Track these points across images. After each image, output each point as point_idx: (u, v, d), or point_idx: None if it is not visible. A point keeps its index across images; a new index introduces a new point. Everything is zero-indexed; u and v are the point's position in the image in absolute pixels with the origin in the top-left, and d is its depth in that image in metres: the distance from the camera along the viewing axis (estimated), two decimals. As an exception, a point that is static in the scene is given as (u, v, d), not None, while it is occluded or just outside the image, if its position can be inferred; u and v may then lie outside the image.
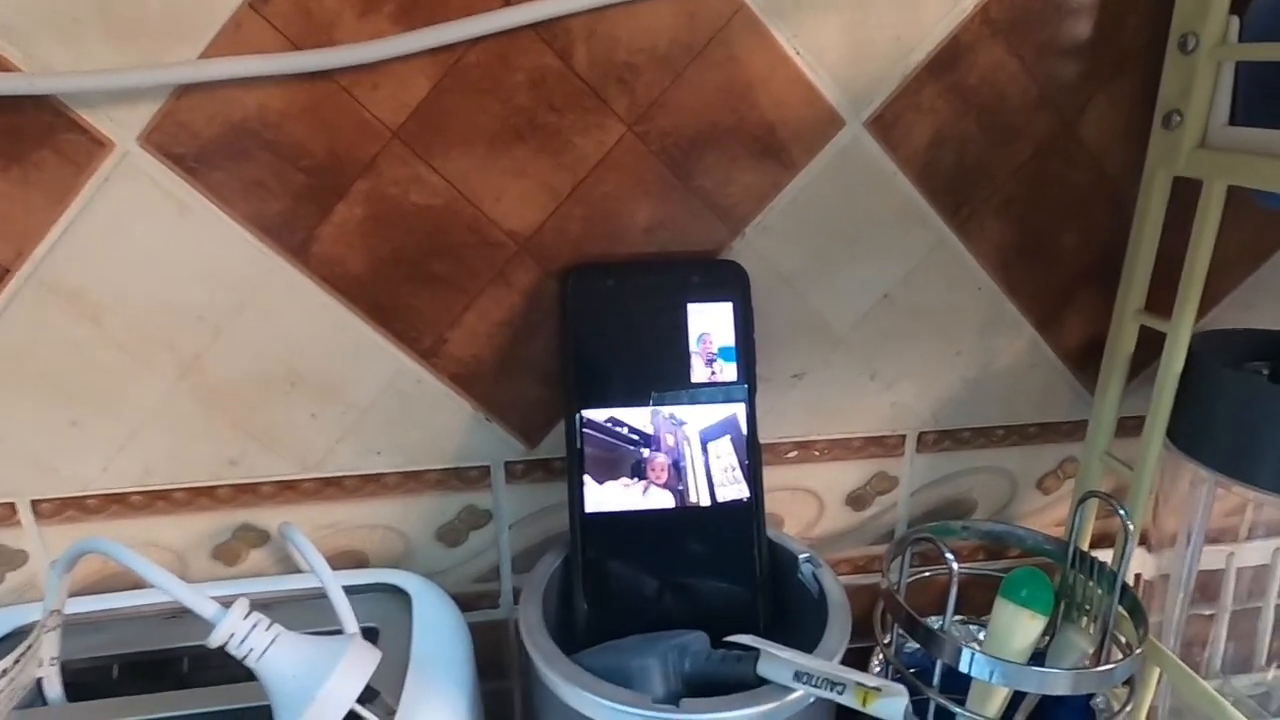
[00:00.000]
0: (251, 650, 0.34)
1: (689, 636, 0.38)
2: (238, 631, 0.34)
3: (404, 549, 0.49)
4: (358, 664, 0.35)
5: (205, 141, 0.40)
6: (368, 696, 0.36)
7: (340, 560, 0.49)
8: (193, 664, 0.43)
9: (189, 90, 0.39)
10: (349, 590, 0.46)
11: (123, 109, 0.39)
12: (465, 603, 0.51)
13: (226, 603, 0.35)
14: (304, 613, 0.45)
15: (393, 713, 0.37)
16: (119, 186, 0.40)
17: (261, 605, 0.46)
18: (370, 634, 0.43)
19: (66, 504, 0.45)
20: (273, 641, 0.34)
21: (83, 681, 0.41)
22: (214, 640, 0.34)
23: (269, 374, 0.44)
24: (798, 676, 0.33)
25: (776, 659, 0.33)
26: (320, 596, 0.46)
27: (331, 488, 0.47)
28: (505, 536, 0.50)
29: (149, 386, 0.43)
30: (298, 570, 0.49)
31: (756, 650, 0.34)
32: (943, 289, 0.48)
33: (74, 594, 0.46)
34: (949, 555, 0.42)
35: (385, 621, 0.44)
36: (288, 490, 0.47)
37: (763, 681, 0.35)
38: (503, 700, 0.54)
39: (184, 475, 0.46)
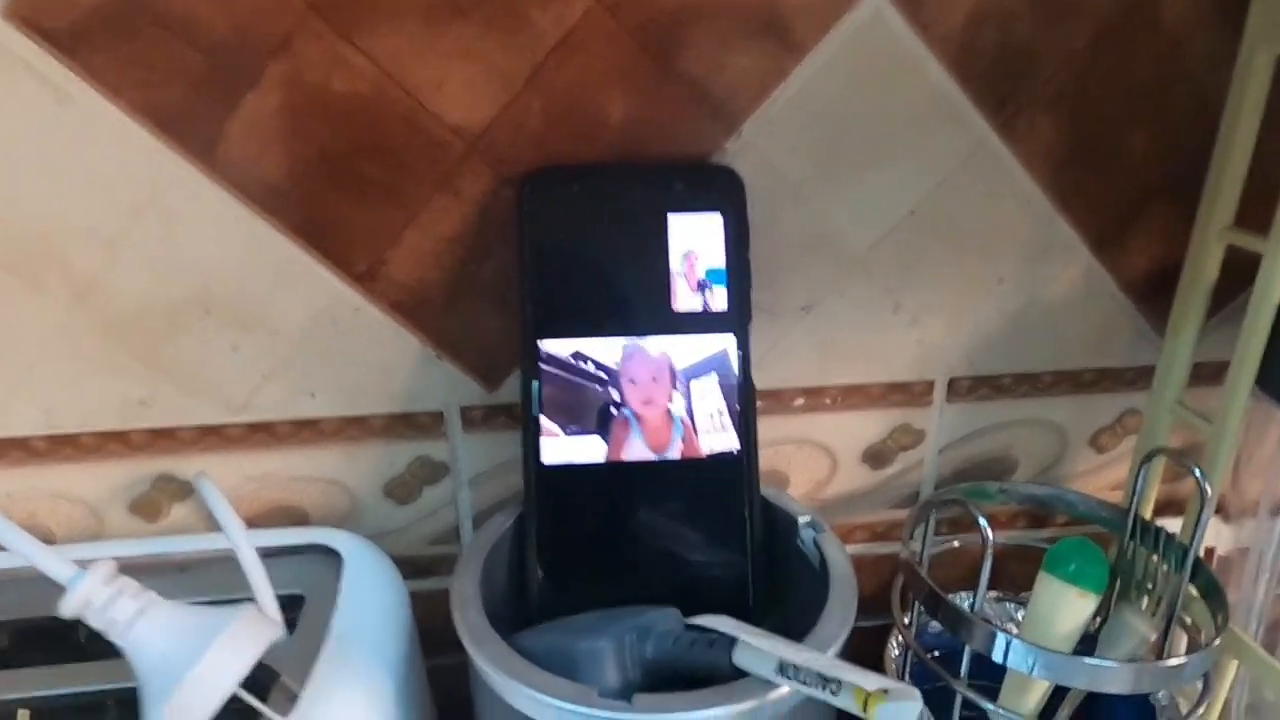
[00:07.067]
0: (115, 623, 0.28)
1: (656, 615, 0.31)
2: (94, 599, 0.28)
3: (349, 506, 0.43)
4: (242, 640, 0.28)
5: (82, 12, 0.33)
6: (262, 679, 0.30)
7: (276, 518, 0.43)
8: (90, 633, 0.37)
9: (57, -52, 0.32)
10: (279, 551, 0.41)
11: (-21, -28, 0.32)
12: (420, 568, 0.45)
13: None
14: (233, 575, 0.39)
15: (294, 698, 0.30)
16: (-16, 70, 0.33)
17: (183, 567, 0.41)
18: (294, 603, 0.37)
19: (-40, 449, 0.39)
20: (141, 612, 0.28)
21: (-34, 651, 0.36)
22: (65, 609, 0.28)
23: (178, 299, 0.38)
24: (782, 670, 0.26)
25: (756, 648, 0.26)
26: (261, 557, 0.40)
27: (261, 434, 0.41)
28: (464, 493, 0.44)
29: (40, 314, 0.37)
30: (228, 528, 0.43)
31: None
32: (982, 202, 0.40)
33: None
34: (982, 520, 0.35)
35: (314, 588, 0.38)
36: (210, 436, 0.41)
37: (741, 674, 0.28)
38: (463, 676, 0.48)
39: (90, 418, 0.40)
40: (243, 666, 0.28)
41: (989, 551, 0.34)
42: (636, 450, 0.36)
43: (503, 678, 0.28)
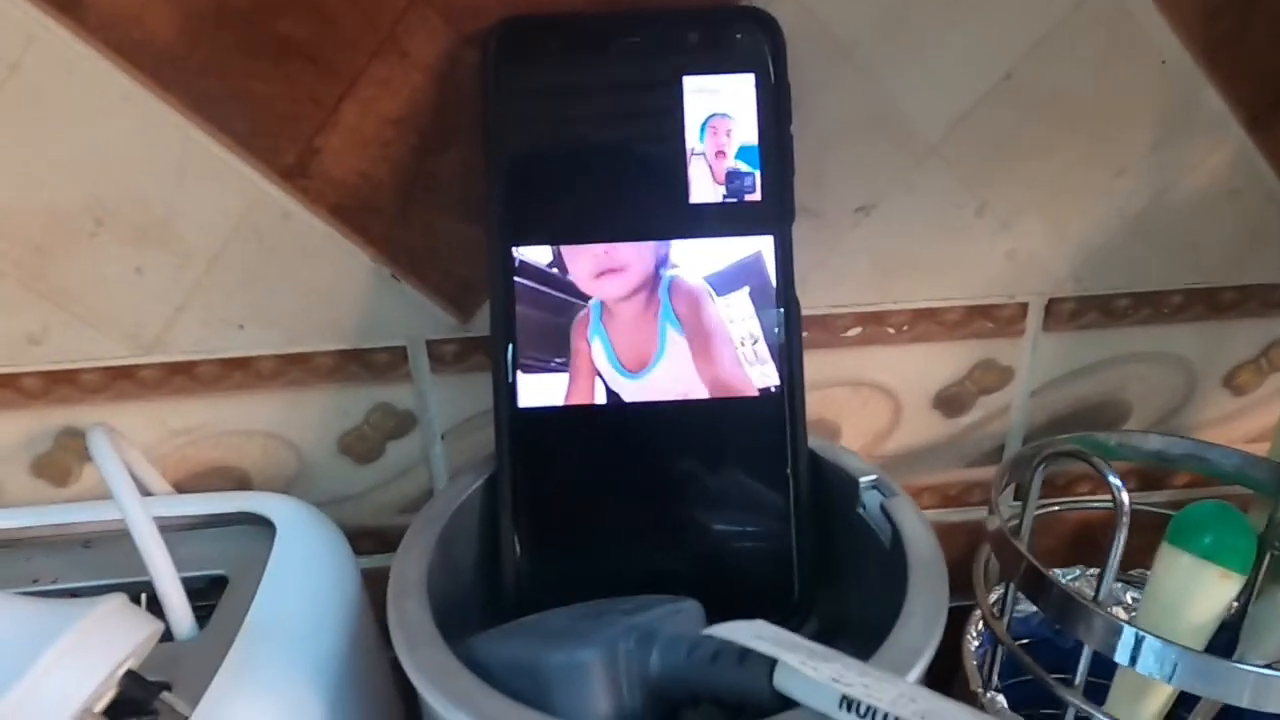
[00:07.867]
0: (-85, 623, 0.20)
1: (663, 610, 0.22)
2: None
3: (297, 466, 0.35)
4: (94, 645, 0.21)
5: None
6: (139, 693, 0.22)
7: (210, 481, 0.35)
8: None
9: None
10: (207, 522, 0.33)
11: None
12: (389, 541, 0.36)
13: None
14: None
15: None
16: None
17: (87, 543, 0.34)
18: (214, 587, 0.30)
19: None
20: (-49, 609, 0.21)
21: None
22: None
23: (60, 205, 0.30)
24: (848, 707, 0.17)
25: (807, 675, 0.18)
26: (181, 528, 0.33)
27: (181, 376, 0.33)
28: (438, 449, 0.35)
29: (-112, 224, 0.30)
30: (152, 493, 0.35)
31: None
32: (1099, 62, 0.31)
33: None
34: (1114, 479, 0.26)
35: (244, 568, 0.30)
36: (120, 379, 0.33)
37: (785, 704, 0.19)
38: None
39: (-31, 357, 0.32)
40: (91, 683, 0.20)
41: (1124, 522, 0.25)
42: (642, 389, 0.27)
43: (443, 702, 0.20)
